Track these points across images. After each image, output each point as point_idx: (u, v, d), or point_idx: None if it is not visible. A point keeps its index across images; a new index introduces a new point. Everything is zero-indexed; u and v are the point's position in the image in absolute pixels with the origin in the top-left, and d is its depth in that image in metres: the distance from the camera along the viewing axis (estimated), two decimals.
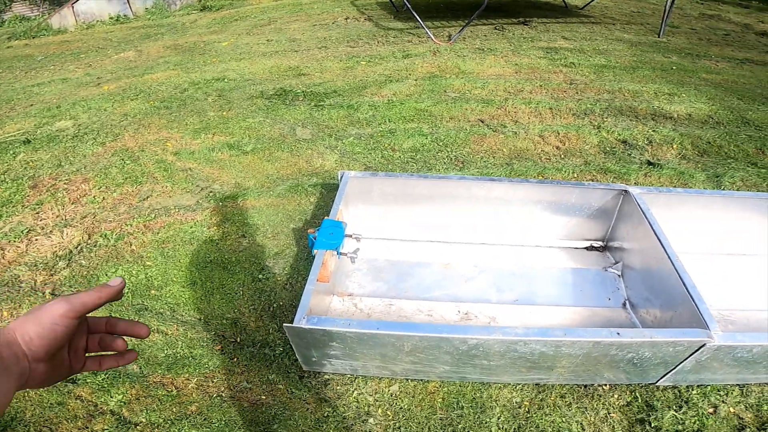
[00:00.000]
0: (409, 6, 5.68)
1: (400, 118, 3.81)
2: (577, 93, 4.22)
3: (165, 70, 5.16)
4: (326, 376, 1.94)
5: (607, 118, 3.77)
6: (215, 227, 2.76)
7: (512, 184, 2.36)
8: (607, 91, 4.27)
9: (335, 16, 6.80)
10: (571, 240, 2.54)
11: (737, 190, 2.96)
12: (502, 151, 3.32)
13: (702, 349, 1.60)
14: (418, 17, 5.70)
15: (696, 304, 1.70)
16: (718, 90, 4.45)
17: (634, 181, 3.00)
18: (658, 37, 6.15)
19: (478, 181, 2.37)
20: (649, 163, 3.18)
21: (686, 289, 1.77)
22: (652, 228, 2.06)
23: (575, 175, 3.05)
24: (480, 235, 2.54)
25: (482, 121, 3.71)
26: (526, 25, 6.36)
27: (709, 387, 1.89)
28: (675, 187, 2.96)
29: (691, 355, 1.65)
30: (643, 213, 2.15)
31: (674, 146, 3.40)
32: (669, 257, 1.92)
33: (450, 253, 2.50)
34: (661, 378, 1.84)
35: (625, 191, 2.30)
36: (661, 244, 1.98)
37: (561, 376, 1.86)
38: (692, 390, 1.88)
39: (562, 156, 3.27)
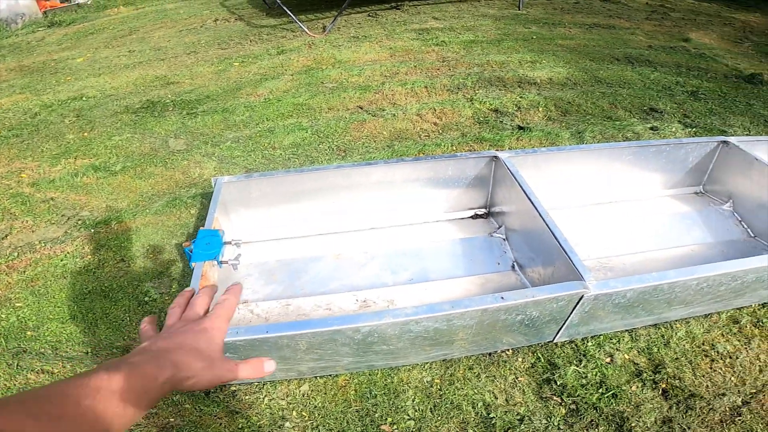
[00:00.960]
0: (279, 2, 5.53)
1: (279, 115, 3.70)
2: (449, 69, 4.36)
3: (10, 95, 4.59)
4: (233, 388, 1.85)
5: (478, 90, 3.94)
6: (89, 256, 2.52)
7: (389, 165, 2.37)
8: (477, 64, 4.46)
9: (204, 19, 6.45)
10: (456, 211, 2.61)
11: (597, 142, 3.22)
12: (382, 135, 3.34)
13: (582, 300, 1.69)
14: (289, 12, 5.57)
15: (569, 257, 1.79)
16: (573, 54, 4.82)
17: (507, 146, 3.15)
18: (519, 9, 6.54)
19: (355, 167, 2.35)
20: (520, 127, 3.37)
21: (558, 243, 1.87)
22: (522, 189, 2.17)
23: (454, 148, 3.14)
24: (368, 221, 2.53)
25: (361, 108, 3.71)
26: (398, 9, 6.46)
27: (601, 337, 2.02)
28: (545, 146, 3.16)
29: (574, 308, 1.74)
30: (513, 176, 2.25)
31: (540, 109, 3.63)
32: (540, 215, 2.02)
33: (341, 243, 2.47)
34: (557, 334, 1.92)
35: (495, 157, 2.40)
36: (532, 204, 2.08)
37: (463, 349, 1.90)
38: (588, 342, 2.01)
39: (440, 131, 3.36)
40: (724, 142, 2.55)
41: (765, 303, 2.12)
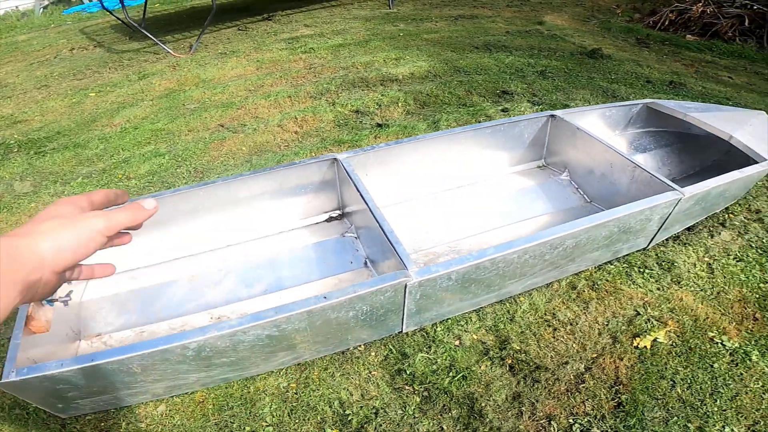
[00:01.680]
0: (135, 24, 5.27)
1: (135, 144, 3.52)
2: (315, 76, 4.37)
3: None
4: (89, 417, 1.77)
5: (341, 93, 3.98)
6: None
7: (228, 183, 2.31)
8: (342, 67, 4.51)
9: (59, 49, 6.02)
10: (310, 217, 2.60)
11: (450, 127, 3.36)
12: (242, 151, 3.28)
13: (408, 288, 1.74)
14: (149, 34, 5.33)
15: (395, 248, 1.84)
16: (436, 47, 5.01)
17: (366, 144, 3.21)
18: (390, 8, 6.71)
19: (193, 189, 2.28)
20: (378, 125, 3.44)
21: (386, 236, 1.92)
22: (356, 188, 2.20)
23: (312, 153, 3.15)
24: (222, 239, 2.47)
25: (222, 126, 3.62)
26: (270, 20, 6.39)
27: (449, 320, 2.09)
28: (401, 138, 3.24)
29: (404, 297, 1.79)
30: (349, 176, 2.29)
31: (400, 105, 3.73)
32: (371, 211, 2.05)
33: (195, 265, 2.38)
34: (403, 325, 1.97)
35: (335, 159, 2.42)
36: (364, 200, 2.12)
37: (313, 351, 1.89)
38: (437, 327, 2.06)
39: (300, 139, 3.35)
40: (552, 116, 2.74)
41: (600, 265, 2.29)
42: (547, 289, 2.20)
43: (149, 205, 0.60)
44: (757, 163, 2.35)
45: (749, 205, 2.66)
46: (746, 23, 5.41)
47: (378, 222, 1.99)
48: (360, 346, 2.01)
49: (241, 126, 3.58)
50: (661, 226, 2.21)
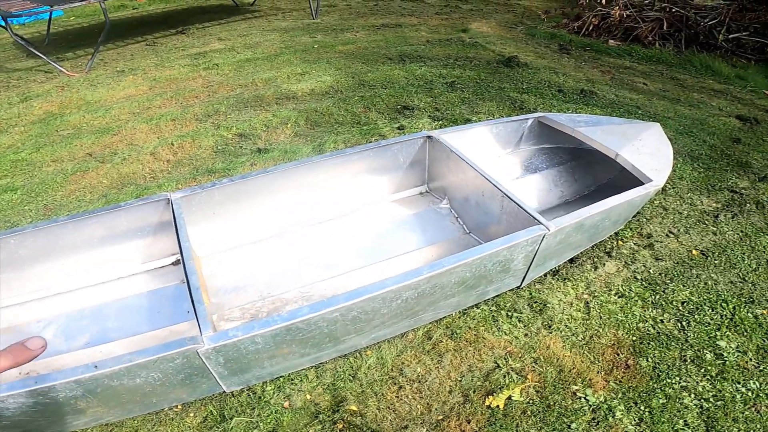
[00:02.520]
0: (21, 39, 4.84)
1: None
2: (209, 95, 4.06)
3: None
4: None
5: (231, 114, 3.68)
6: None
7: (44, 229, 2.00)
8: (241, 85, 4.21)
9: None
10: (149, 262, 2.29)
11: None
12: (102, 184, 2.94)
13: (203, 354, 1.48)
14: (37, 51, 4.91)
15: (194, 308, 1.58)
16: (348, 59, 4.76)
17: (240, 173, 2.91)
18: (313, 19, 6.44)
19: (30, 230, 1.96)
20: (259, 150, 3.15)
21: (189, 292, 1.66)
22: (177, 234, 1.93)
23: (179, 185, 2.84)
24: (44, 288, 2.15)
25: (91, 155, 3.26)
26: (183, 33, 6.03)
27: (282, 378, 1.82)
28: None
29: (204, 362, 1.52)
30: (174, 219, 2.00)
31: (289, 126, 3.45)
32: (183, 261, 1.79)
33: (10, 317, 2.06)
34: (220, 387, 1.71)
35: (168, 199, 2.12)
36: (180, 249, 1.86)
37: (122, 411, 1.64)
38: (267, 386, 1.80)
39: (171, 169, 3.03)
40: (428, 136, 2.51)
41: (464, 310, 2.05)
42: (401, 339, 1.95)
43: (34, 345, 0.57)
44: (642, 184, 2.17)
45: (641, 229, 2.48)
46: (665, 27, 5.35)
47: (186, 275, 1.71)
48: (177, 406, 1.72)
49: (112, 155, 3.23)
50: (531, 264, 1.99)
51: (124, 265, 2.22)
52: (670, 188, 2.79)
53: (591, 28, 5.83)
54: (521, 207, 1.94)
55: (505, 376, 1.80)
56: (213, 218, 2.27)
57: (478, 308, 2.05)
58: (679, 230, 2.47)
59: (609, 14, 5.67)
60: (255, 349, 1.57)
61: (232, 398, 1.77)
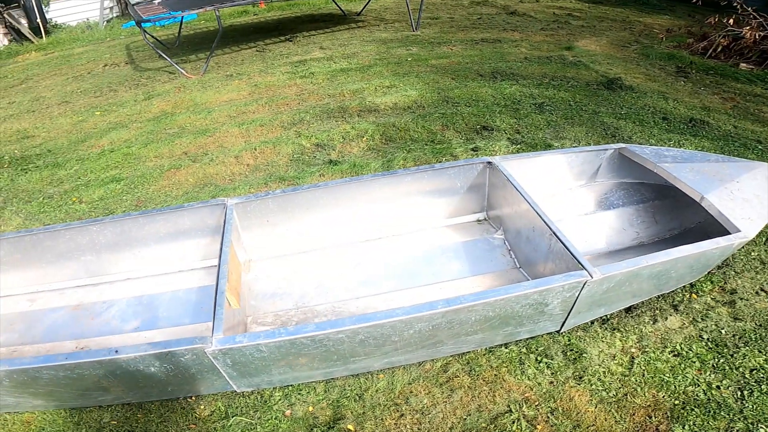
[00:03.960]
0: (155, 42, 5.49)
1: (104, 167, 3.60)
2: (299, 103, 4.27)
3: None
4: None
5: (314, 123, 3.83)
6: None
7: (118, 221, 2.26)
8: (330, 95, 4.37)
9: (96, 65, 6.44)
10: (203, 260, 2.46)
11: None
12: (188, 182, 3.23)
13: (211, 354, 1.59)
14: (163, 54, 5.54)
15: (214, 311, 1.71)
16: (438, 74, 4.73)
17: (307, 184, 3.02)
18: (414, 30, 6.50)
19: (88, 225, 2.25)
20: (330, 161, 3.25)
21: (216, 295, 1.79)
22: (221, 239, 2.06)
23: (252, 189, 3.02)
24: (115, 274, 2.42)
25: (186, 154, 3.61)
26: (290, 41, 6.43)
27: (292, 387, 1.87)
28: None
29: (213, 362, 1.63)
30: (224, 223, 2.13)
31: (364, 139, 3.52)
32: (219, 266, 1.91)
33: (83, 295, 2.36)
34: (232, 385, 1.81)
35: (224, 205, 2.27)
36: (221, 252, 1.98)
37: (131, 394, 1.81)
38: (276, 392, 1.86)
39: (248, 174, 3.24)
40: (489, 162, 2.41)
41: (491, 347, 1.94)
42: (417, 368, 1.89)
43: None
44: (729, 234, 1.88)
45: (725, 283, 2.16)
46: None
47: (218, 279, 1.83)
48: (191, 397, 1.85)
49: (203, 155, 3.54)
50: (571, 309, 1.82)
51: (181, 261, 2.41)
52: None
53: (719, 49, 5.18)
54: (567, 248, 1.78)
55: (514, 422, 1.66)
56: (266, 225, 2.39)
57: (506, 348, 1.91)
58: None
59: (741, 35, 5.00)
60: (261, 356, 1.63)
61: (242, 398, 1.85)
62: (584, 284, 1.68)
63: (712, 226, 2.11)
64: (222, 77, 5.24)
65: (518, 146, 3.31)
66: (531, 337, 1.93)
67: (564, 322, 1.90)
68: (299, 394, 1.85)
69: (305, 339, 1.57)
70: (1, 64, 7.43)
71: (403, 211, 2.47)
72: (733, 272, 2.18)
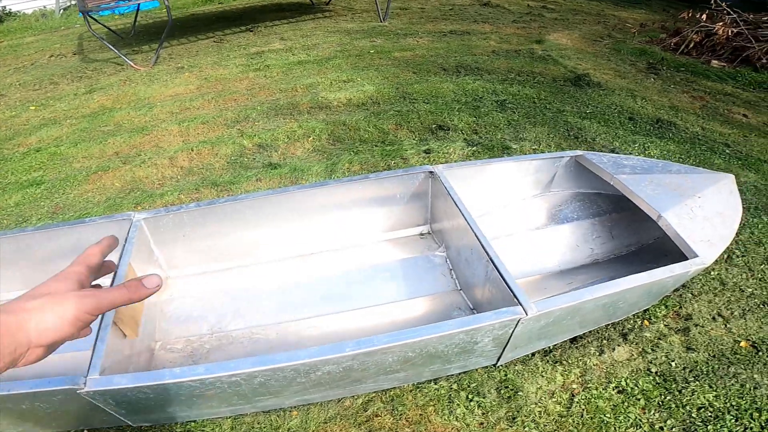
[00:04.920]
0: (93, 31, 5.13)
1: (27, 168, 3.29)
2: (248, 99, 3.99)
3: None
4: None
5: (259, 121, 3.56)
6: None
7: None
8: (282, 90, 4.09)
9: (45, 55, 6.04)
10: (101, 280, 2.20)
11: (346, 174, 2.85)
12: (114, 186, 2.94)
13: (88, 394, 1.35)
14: (109, 44, 5.18)
15: (94, 346, 1.45)
16: (400, 68, 4.48)
17: (242, 190, 2.77)
18: (381, 21, 6.22)
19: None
20: (270, 164, 2.99)
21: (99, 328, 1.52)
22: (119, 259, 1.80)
23: (181, 197, 2.75)
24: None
25: (117, 154, 3.31)
26: (251, 31, 6.11)
27: (195, 423, 1.65)
28: (288, 185, 2.78)
29: (94, 404, 1.39)
30: (125, 244, 1.87)
31: (311, 139, 3.26)
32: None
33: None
34: (122, 420, 1.60)
35: (130, 220, 2.00)
36: (115, 275, 1.72)
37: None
38: (177, 426, 1.63)
39: (180, 177, 2.96)
40: (431, 172, 2.17)
41: (420, 383, 1.73)
42: (336, 404, 1.67)
43: (151, 284, 0.56)
44: (686, 259, 1.69)
45: (681, 307, 1.97)
46: None
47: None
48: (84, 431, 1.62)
49: (135, 156, 3.25)
50: (506, 346, 1.61)
51: None
52: (739, 256, 2.21)
53: (691, 45, 5.02)
54: (502, 277, 1.56)
55: None
56: (183, 240, 2.13)
57: (435, 383, 1.70)
58: (732, 313, 1.92)
59: (713, 31, 4.84)
60: (146, 397, 1.39)
61: None
62: (518, 322, 1.46)
63: (671, 243, 1.92)
64: (172, 69, 4.92)
65: (474, 148, 3.08)
66: (463, 372, 1.72)
67: (500, 357, 1.69)
68: (202, 430, 1.61)
69: (193, 382, 1.34)
70: None
71: (337, 225, 2.23)
72: (690, 295, 2.00)
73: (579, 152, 2.26)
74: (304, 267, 2.21)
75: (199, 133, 3.47)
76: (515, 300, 1.49)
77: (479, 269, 1.78)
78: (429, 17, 6.41)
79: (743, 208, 2.47)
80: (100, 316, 1.55)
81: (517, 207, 2.33)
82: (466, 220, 1.83)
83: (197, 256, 2.19)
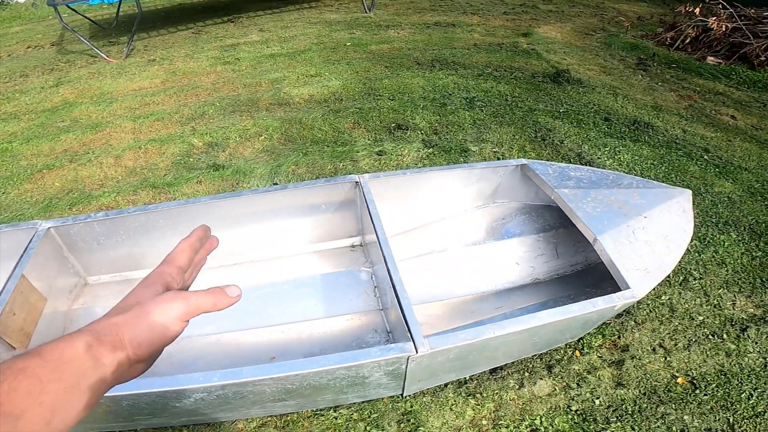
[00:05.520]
0: (63, 22, 5.01)
1: None
2: (209, 94, 3.84)
3: None
4: None
5: (215, 118, 3.42)
6: None
7: None
8: (245, 85, 3.94)
9: (23, 46, 5.95)
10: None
11: (290, 177, 2.70)
12: (54, 186, 2.83)
13: None
14: (80, 35, 5.07)
15: None
16: (372, 61, 4.29)
17: (180, 193, 2.64)
18: (367, 12, 6.02)
19: None
20: (215, 166, 2.85)
21: None
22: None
23: (118, 198, 2.63)
24: None
25: (66, 152, 3.19)
26: (232, 22, 5.95)
27: None
28: (228, 190, 2.64)
29: None
30: (24, 253, 1.76)
31: (262, 138, 3.11)
32: None
33: None
34: None
35: (35, 228, 1.88)
36: (6, 284, 1.60)
37: None
38: None
39: (122, 178, 2.84)
40: (356, 182, 2.01)
41: (320, 409, 1.59)
42: (230, 425, 1.56)
43: (233, 293, 0.54)
44: (619, 290, 1.51)
45: (620, 336, 1.80)
46: None
47: None
48: None
49: (84, 154, 3.13)
50: (405, 380, 1.46)
51: None
52: (696, 278, 2.02)
53: (687, 40, 4.75)
54: (401, 308, 1.41)
55: None
56: (97, 249, 2.00)
57: (335, 411, 1.56)
58: (676, 344, 1.74)
59: (709, 26, 4.56)
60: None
61: None
62: (407, 359, 1.31)
63: None
64: (144, 62, 4.79)
65: (430, 150, 2.91)
66: (367, 401, 1.57)
67: (404, 388, 1.54)
68: None
69: None
70: None
71: (257, 236, 2.09)
72: (633, 322, 1.82)
73: (523, 161, 2.08)
74: (219, 280, 2.07)
75: (151, 130, 3.34)
76: (408, 334, 1.34)
77: (388, 294, 1.63)
78: (416, 8, 6.19)
79: (712, 223, 2.28)
80: None
81: (456, 220, 2.16)
82: (377, 236, 1.67)
83: (113, 263, 2.07)
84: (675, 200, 1.83)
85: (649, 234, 1.69)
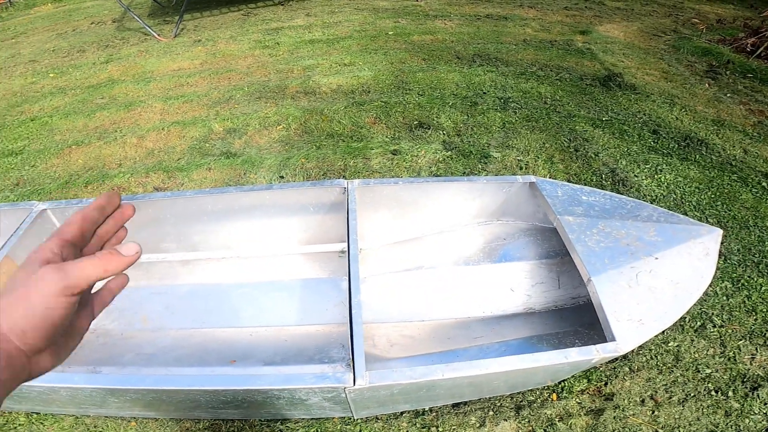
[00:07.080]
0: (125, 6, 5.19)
1: (17, 137, 3.37)
2: (241, 78, 3.84)
3: None
4: None
5: (239, 104, 3.40)
6: None
7: None
8: (278, 71, 3.90)
9: (88, 22, 6.26)
10: None
11: (297, 171, 2.63)
12: (77, 163, 2.92)
13: None
14: (134, 14, 5.23)
15: None
16: (411, 53, 4.12)
17: (188, 179, 2.63)
18: (417, 1, 5.82)
19: None
20: (227, 153, 2.82)
21: None
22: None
23: (131, 179, 2.67)
24: None
25: (96, 129, 3.30)
26: (282, 5, 5.94)
27: (41, 414, 1.57)
28: (240, 181, 2.61)
29: None
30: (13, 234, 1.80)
31: (280, 127, 3.05)
32: None
33: None
34: None
35: (30, 209, 1.92)
36: None
37: None
38: (20, 416, 1.58)
39: (139, 159, 2.88)
40: (344, 188, 1.89)
41: (269, 420, 1.52)
42: (177, 424, 1.55)
43: (128, 251, 0.44)
44: (605, 341, 1.32)
45: (608, 383, 1.59)
46: None
47: None
48: None
49: (113, 132, 3.22)
50: (351, 407, 1.35)
51: None
52: (716, 326, 1.75)
53: None
54: (351, 334, 1.29)
55: None
56: None
57: (282, 424, 1.49)
58: (670, 398, 1.51)
59: None
60: None
61: None
62: (344, 390, 1.20)
63: None
64: (190, 42, 4.87)
65: (449, 152, 2.74)
66: (316, 419, 1.48)
67: (353, 412, 1.43)
68: (43, 423, 1.53)
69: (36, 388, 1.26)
70: (14, 16, 7.44)
71: (249, 233, 2.03)
72: (627, 368, 1.60)
73: (532, 178, 1.88)
74: (204, 273, 2.04)
75: (178, 112, 3.37)
76: (350, 363, 1.22)
77: (345, 313, 1.51)
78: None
79: (753, 263, 1.98)
80: None
81: (452, 236, 2.00)
82: (348, 246, 1.56)
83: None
84: (699, 240, 1.58)
85: (656, 278, 1.46)
